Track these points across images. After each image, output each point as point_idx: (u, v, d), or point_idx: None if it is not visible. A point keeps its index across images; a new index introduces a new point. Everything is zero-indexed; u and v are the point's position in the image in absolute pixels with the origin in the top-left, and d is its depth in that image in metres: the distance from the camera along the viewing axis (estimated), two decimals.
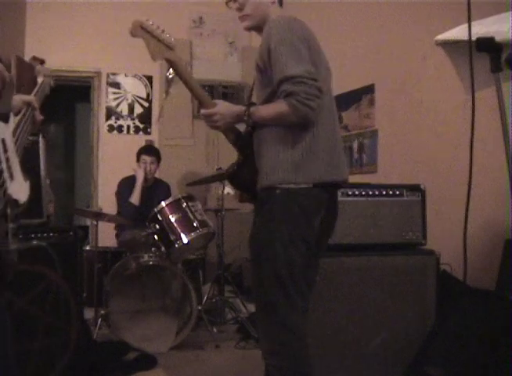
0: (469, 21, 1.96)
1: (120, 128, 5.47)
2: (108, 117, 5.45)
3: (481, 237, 3.06)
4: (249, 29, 2.10)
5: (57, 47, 5.10)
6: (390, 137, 4.07)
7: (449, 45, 2.41)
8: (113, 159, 5.31)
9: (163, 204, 3.66)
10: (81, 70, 5.36)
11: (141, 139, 5.38)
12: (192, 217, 3.64)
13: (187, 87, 2.00)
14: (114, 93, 5.46)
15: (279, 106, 1.87)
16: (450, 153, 3.42)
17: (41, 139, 3.46)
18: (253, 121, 1.95)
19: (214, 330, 3.84)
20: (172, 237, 3.57)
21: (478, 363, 2.13)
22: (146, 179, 4.41)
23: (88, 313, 3.75)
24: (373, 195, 2.73)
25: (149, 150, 4.58)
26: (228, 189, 4.31)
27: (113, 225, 4.37)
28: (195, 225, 3.61)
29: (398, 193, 2.76)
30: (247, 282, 4.62)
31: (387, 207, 2.73)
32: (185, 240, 3.55)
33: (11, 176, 1.51)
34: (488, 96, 2.11)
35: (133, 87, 5.51)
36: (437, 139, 3.58)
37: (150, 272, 3.58)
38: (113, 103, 5.46)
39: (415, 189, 2.78)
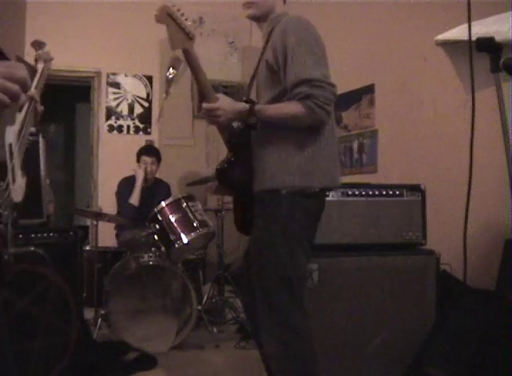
0: (469, 21, 1.96)
1: (120, 128, 5.47)
2: (108, 117, 5.45)
3: (481, 237, 3.06)
4: (251, 18, 2.05)
5: (57, 47, 5.04)
6: (390, 137, 4.07)
7: (449, 45, 2.41)
8: (113, 159, 5.31)
9: (163, 204, 3.66)
10: (81, 70, 5.36)
11: (141, 139, 5.37)
12: (192, 217, 3.64)
13: (196, 79, 1.96)
14: (114, 93, 5.46)
15: (293, 107, 1.85)
16: (450, 153, 3.42)
17: (41, 139, 3.46)
18: (257, 119, 1.92)
19: (214, 330, 3.84)
20: (172, 237, 3.57)
21: (478, 363, 2.13)
22: (146, 179, 4.41)
23: (88, 313, 3.75)
24: (373, 195, 2.73)
25: (149, 150, 4.58)
26: None
27: (113, 225, 4.37)
28: (195, 225, 3.61)
29: (398, 193, 2.76)
30: None
31: (387, 207, 2.73)
32: (185, 240, 3.55)
33: (13, 181, 1.52)
34: (488, 96, 2.11)
35: (133, 87, 5.50)
36: (437, 139, 3.58)
37: (150, 273, 3.57)
38: (113, 103, 5.46)
39: (415, 189, 2.78)
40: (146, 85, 5.53)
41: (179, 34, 1.88)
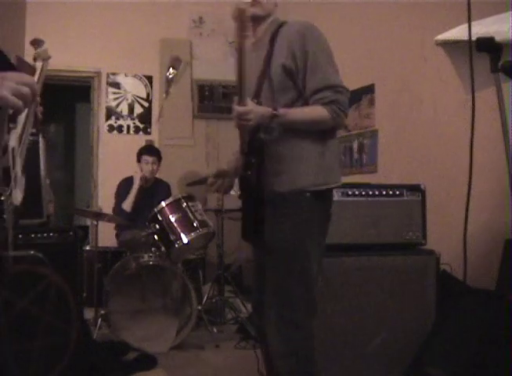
0: (469, 21, 1.96)
1: (120, 128, 5.47)
2: (108, 117, 5.45)
3: (481, 237, 3.06)
4: (253, 17, 2.02)
5: (57, 47, 5.05)
6: (390, 137, 4.07)
7: (449, 45, 2.41)
8: (113, 159, 5.31)
9: (163, 204, 3.66)
10: (81, 70, 5.36)
11: (141, 139, 5.37)
12: (192, 217, 3.64)
13: (239, 77, 1.88)
14: (114, 93, 5.46)
15: (318, 112, 1.93)
16: (450, 153, 3.42)
17: (41, 139, 3.47)
18: (280, 123, 1.93)
19: (214, 330, 3.84)
20: (172, 237, 3.57)
21: (478, 363, 2.13)
22: (146, 180, 4.42)
23: (88, 313, 3.75)
24: (373, 195, 2.73)
25: (150, 150, 4.58)
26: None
27: (113, 225, 4.37)
28: (195, 225, 3.61)
29: (398, 193, 2.76)
30: (247, 282, 4.62)
31: (387, 207, 2.73)
32: (185, 240, 3.55)
33: (15, 185, 1.52)
34: (488, 96, 2.11)
35: (133, 87, 5.50)
36: (437, 139, 3.58)
37: (150, 272, 3.58)
38: (113, 103, 5.46)
39: (415, 189, 2.78)
40: (146, 85, 5.53)
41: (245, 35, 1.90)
